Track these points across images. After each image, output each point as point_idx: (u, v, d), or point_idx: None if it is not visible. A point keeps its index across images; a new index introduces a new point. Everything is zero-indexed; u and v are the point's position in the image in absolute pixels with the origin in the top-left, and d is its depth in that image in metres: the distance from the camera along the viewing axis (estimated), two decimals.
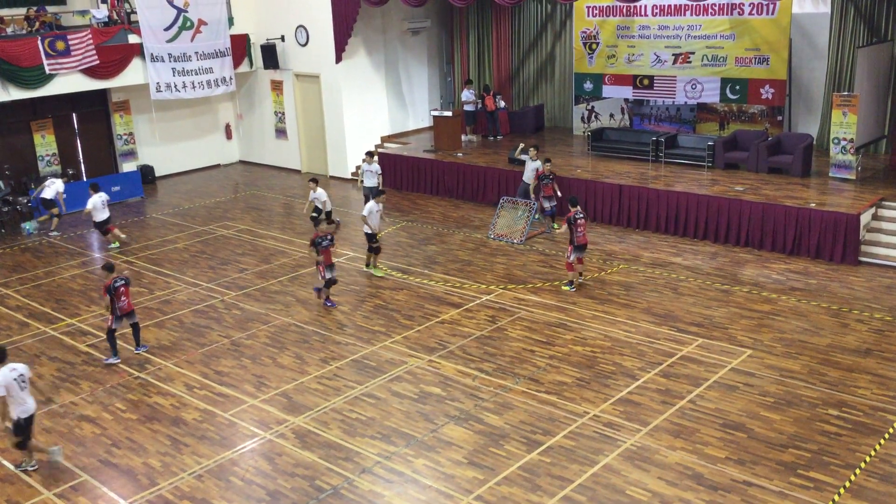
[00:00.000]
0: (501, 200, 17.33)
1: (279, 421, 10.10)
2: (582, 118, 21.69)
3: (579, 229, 13.39)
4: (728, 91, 18.57)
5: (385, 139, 22.75)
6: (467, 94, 21.73)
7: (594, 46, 20.31)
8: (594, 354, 11.46)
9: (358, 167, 21.19)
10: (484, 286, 14.14)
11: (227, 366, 11.65)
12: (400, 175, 20.93)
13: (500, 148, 20.76)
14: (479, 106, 21.84)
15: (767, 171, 17.18)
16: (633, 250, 15.67)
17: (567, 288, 13.73)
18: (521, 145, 17.60)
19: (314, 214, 16.00)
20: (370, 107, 22.32)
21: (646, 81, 19.56)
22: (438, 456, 9.19)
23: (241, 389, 10.93)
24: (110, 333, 11.92)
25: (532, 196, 16.70)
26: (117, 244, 17.19)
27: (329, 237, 13.50)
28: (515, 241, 16.33)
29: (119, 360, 11.90)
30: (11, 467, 9.35)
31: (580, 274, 13.90)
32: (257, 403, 10.55)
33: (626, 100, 20.63)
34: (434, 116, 21.58)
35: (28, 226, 18.64)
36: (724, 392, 10.25)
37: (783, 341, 11.54)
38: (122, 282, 11.81)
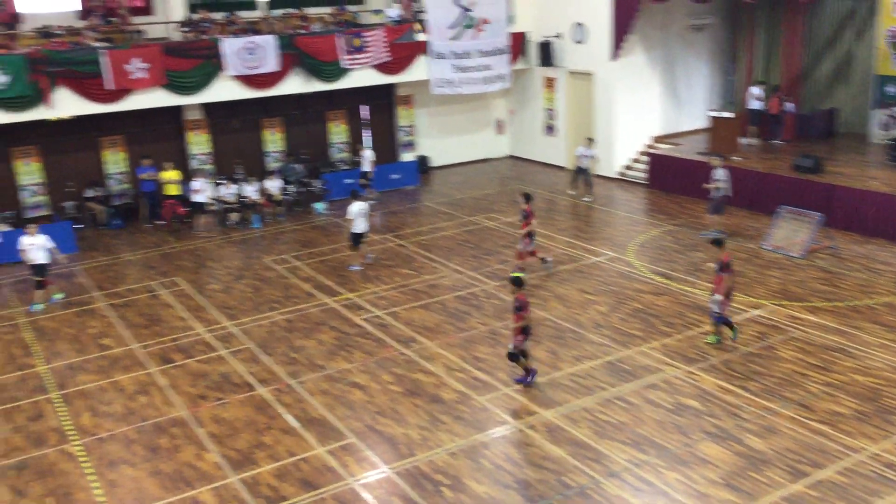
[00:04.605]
0: (780, 210, 16.15)
1: (530, 412, 10.25)
2: (882, 125, 19.56)
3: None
4: None
5: (656, 139, 22.13)
6: (758, 91, 20.42)
7: None
8: (878, 387, 10.31)
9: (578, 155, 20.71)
10: (754, 299, 13.28)
11: (484, 352, 12.03)
12: (669, 177, 20.27)
13: (781, 153, 19.35)
14: (764, 106, 20.50)
15: None
16: None
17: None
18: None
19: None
20: (643, 106, 21.81)
21: None
22: (692, 472, 8.80)
23: (496, 377, 11.24)
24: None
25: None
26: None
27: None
28: (794, 254, 15.13)
29: None
30: (295, 424, 10.40)
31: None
32: (510, 392, 10.79)
33: None
34: (711, 117, 20.62)
35: (319, 206, 20.57)
36: None
37: None
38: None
